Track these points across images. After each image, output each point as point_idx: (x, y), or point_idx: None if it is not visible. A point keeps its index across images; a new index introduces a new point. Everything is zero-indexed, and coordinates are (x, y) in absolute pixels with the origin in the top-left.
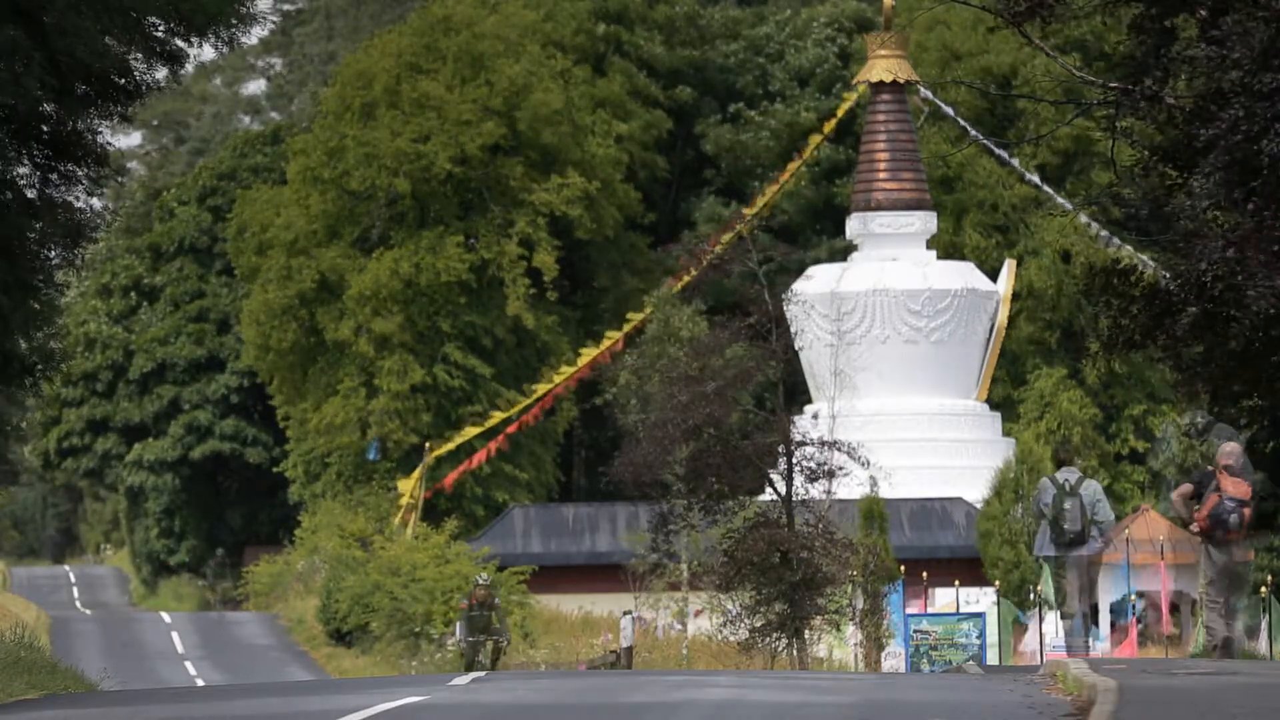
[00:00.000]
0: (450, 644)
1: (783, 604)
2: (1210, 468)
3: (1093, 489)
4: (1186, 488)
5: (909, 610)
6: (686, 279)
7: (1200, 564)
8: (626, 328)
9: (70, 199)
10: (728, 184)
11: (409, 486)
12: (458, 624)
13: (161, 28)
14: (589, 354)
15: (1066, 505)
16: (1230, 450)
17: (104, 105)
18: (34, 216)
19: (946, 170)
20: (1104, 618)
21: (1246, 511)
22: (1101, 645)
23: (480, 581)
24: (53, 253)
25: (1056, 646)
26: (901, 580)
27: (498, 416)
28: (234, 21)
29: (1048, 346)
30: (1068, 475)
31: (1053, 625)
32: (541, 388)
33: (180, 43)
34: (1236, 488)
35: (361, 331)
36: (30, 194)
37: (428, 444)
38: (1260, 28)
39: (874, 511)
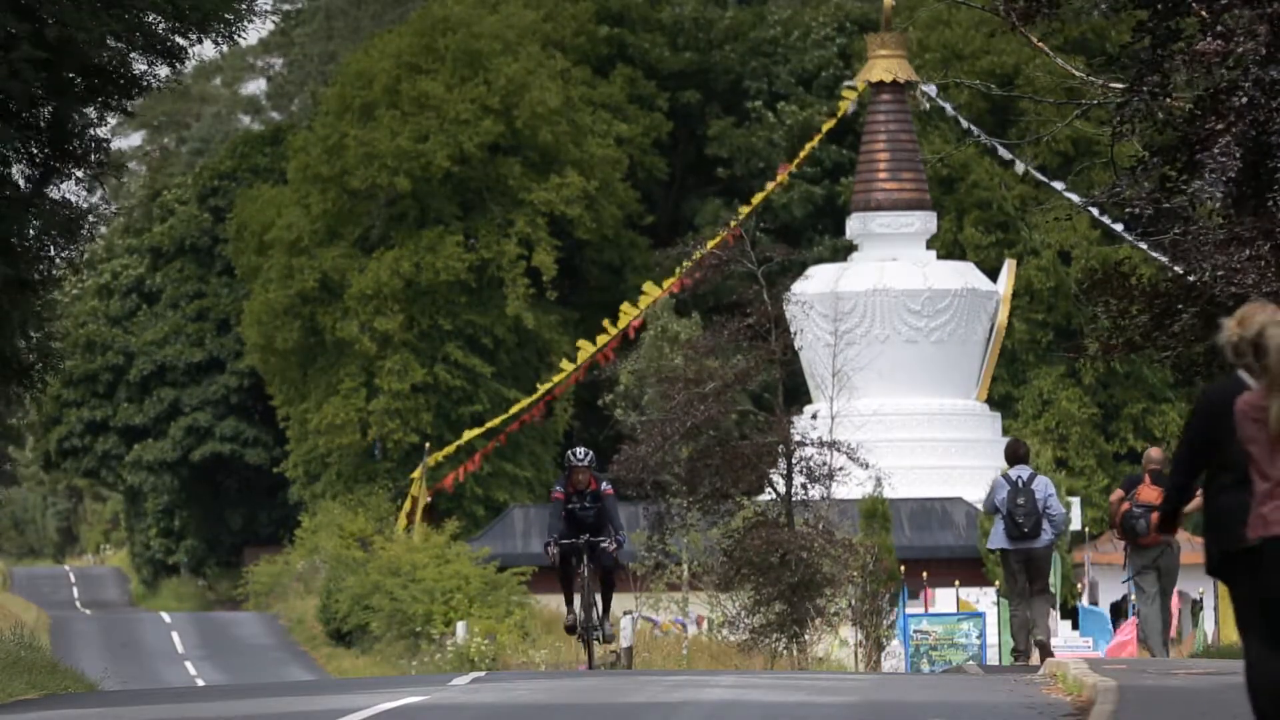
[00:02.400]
0: (549, 553)
1: (782, 604)
2: (1143, 472)
3: (1044, 485)
4: (1118, 493)
5: (909, 610)
6: (672, 280)
7: (1125, 558)
8: (622, 322)
9: (68, 196)
10: (734, 185)
11: (415, 490)
12: (549, 529)
13: (161, 24)
14: (587, 351)
15: (1020, 501)
16: (1153, 457)
17: (103, 101)
18: (32, 214)
19: (948, 170)
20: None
21: (1155, 516)
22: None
23: (578, 457)
24: (52, 251)
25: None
26: (905, 588)
27: (498, 419)
28: (231, 17)
29: (1045, 345)
30: (1020, 472)
31: (1052, 623)
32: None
33: (179, 39)
34: (1148, 494)
35: (363, 330)
36: (28, 191)
37: (427, 444)
38: (1266, 28)
39: (876, 511)
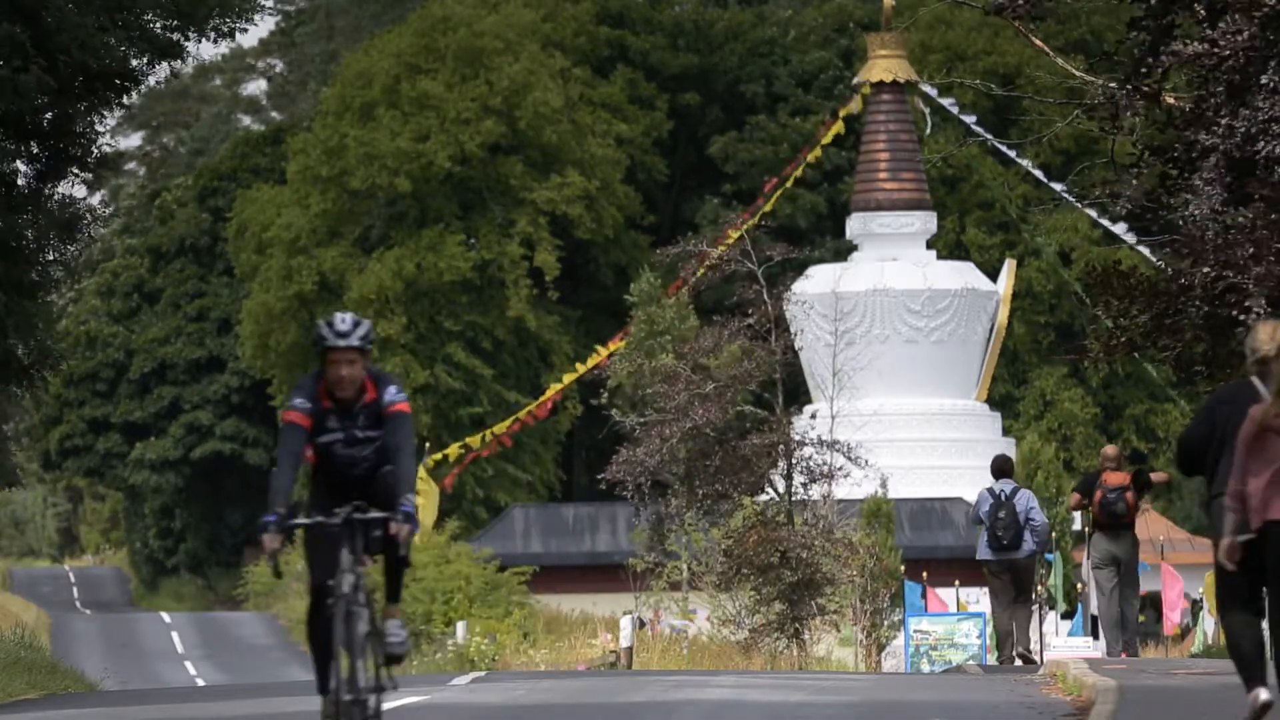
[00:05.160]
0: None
1: (782, 604)
2: (1096, 471)
3: (1026, 497)
4: (1075, 497)
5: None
6: (691, 280)
7: (1088, 551)
8: (622, 335)
9: (67, 196)
10: (736, 190)
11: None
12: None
13: (160, 24)
14: (594, 358)
15: (1001, 514)
16: (1108, 454)
17: (103, 98)
18: (32, 214)
19: (952, 170)
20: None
21: (1129, 495)
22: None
23: (337, 329)
24: (50, 253)
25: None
26: (922, 585)
27: (504, 423)
28: (232, 14)
29: (1047, 346)
30: (1003, 486)
31: (1053, 624)
32: (551, 389)
33: (178, 36)
34: (1115, 478)
35: None
36: (28, 192)
37: (427, 445)
38: (1251, 32)
39: (880, 512)
